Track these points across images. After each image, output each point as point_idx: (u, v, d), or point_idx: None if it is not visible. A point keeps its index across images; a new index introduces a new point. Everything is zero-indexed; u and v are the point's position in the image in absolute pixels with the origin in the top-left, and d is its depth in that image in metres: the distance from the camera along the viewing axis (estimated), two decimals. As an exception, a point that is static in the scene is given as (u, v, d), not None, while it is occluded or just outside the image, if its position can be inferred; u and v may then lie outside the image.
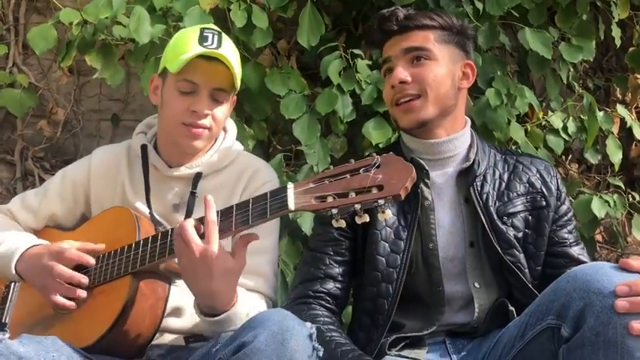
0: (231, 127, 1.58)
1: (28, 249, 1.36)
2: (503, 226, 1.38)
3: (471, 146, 1.46)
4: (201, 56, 1.40)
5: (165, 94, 1.46)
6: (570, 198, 2.29)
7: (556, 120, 2.27)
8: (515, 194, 1.42)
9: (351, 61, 2.06)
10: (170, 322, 1.37)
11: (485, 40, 2.14)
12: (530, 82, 2.41)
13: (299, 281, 1.43)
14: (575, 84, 2.34)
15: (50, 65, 2.40)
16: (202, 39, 1.42)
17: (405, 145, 1.48)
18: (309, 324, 1.12)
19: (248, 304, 1.26)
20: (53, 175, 2.35)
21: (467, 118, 1.51)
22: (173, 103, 1.43)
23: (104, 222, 1.45)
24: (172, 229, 1.25)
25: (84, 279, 1.30)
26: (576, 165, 2.57)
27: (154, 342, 1.33)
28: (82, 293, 1.29)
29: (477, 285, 1.38)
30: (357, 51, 2.07)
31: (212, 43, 1.41)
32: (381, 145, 2.03)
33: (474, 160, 1.43)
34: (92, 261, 1.31)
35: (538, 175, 1.45)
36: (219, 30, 1.48)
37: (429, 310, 1.37)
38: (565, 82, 2.27)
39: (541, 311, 1.12)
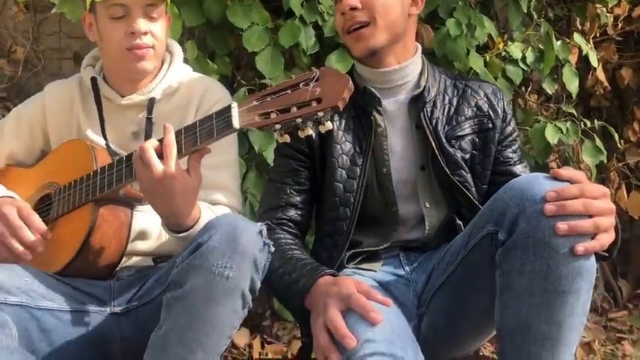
0: (177, 49, 1.58)
1: None
2: (451, 149, 1.44)
3: (421, 73, 1.50)
4: None
5: (101, 27, 1.46)
6: (527, 127, 2.38)
7: (515, 50, 2.31)
8: (463, 118, 1.47)
9: (314, -9, 2.06)
10: (137, 245, 1.42)
11: (446, -32, 2.16)
12: (493, 13, 2.44)
13: (262, 211, 1.49)
14: (535, 14, 2.37)
15: (5, 1, 2.34)
16: None
17: (357, 73, 1.52)
18: (258, 223, 1.20)
19: (211, 211, 1.32)
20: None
21: (417, 44, 1.54)
22: (110, 32, 1.43)
23: (61, 155, 1.47)
24: (131, 154, 1.28)
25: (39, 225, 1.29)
26: (535, 96, 2.64)
27: (123, 265, 1.39)
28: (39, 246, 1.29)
29: (427, 205, 1.45)
30: (319, -19, 2.06)
31: None
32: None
33: (425, 86, 1.47)
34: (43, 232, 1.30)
35: (485, 99, 1.50)
36: None
37: (384, 228, 1.45)
38: (525, 11, 2.30)
39: (482, 220, 1.20)
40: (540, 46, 2.34)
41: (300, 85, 1.14)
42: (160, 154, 1.19)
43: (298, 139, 1.43)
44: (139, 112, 1.49)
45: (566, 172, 1.13)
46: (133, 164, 1.24)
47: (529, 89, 2.60)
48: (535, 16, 2.37)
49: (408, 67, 1.48)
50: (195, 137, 1.20)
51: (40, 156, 1.55)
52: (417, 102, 1.47)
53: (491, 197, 1.21)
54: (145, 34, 1.43)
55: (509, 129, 1.51)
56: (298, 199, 1.47)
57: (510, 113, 1.53)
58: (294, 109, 1.13)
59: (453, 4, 2.19)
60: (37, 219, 1.30)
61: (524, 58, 2.30)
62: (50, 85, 1.59)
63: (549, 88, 2.40)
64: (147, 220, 1.42)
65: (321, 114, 1.12)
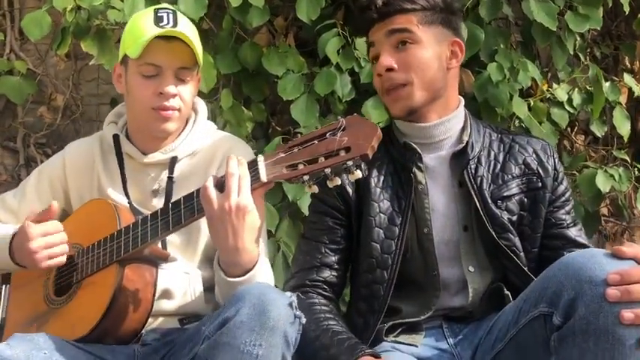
0: (202, 107, 1.56)
1: (12, 239, 1.37)
2: (497, 210, 1.36)
3: (464, 127, 1.43)
4: (160, 37, 1.38)
5: (130, 81, 1.44)
6: (575, 171, 2.27)
7: (561, 92, 2.22)
8: (510, 176, 1.39)
9: (350, 38, 2.03)
10: (162, 304, 1.38)
11: (487, 12, 2.09)
12: (535, 52, 2.35)
13: (296, 270, 1.43)
14: (581, 55, 2.27)
15: (47, 50, 2.38)
16: (157, 20, 1.40)
17: (396, 128, 1.46)
18: (288, 293, 1.15)
19: (265, 268, 1.28)
20: (56, 161, 2.39)
21: (460, 98, 1.48)
22: (138, 89, 1.42)
23: (84, 216, 1.45)
24: (155, 212, 1.27)
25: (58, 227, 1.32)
26: (582, 137, 2.52)
27: (149, 327, 1.35)
28: (64, 248, 1.32)
29: (471, 269, 1.37)
30: (355, 28, 2.02)
31: (168, 22, 1.40)
32: (380, 125, 2.01)
33: (468, 142, 1.40)
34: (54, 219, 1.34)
35: (534, 156, 1.42)
36: (174, 9, 1.46)
37: (425, 294, 1.37)
38: (572, 52, 2.20)
39: (534, 298, 1.12)
40: (588, 87, 2.24)
41: (327, 135, 1.12)
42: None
43: (334, 196, 1.39)
44: (160, 171, 1.47)
45: (630, 249, 1.04)
46: (163, 221, 1.22)
47: (574, 130, 2.49)
48: (582, 58, 2.27)
49: (450, 122, 1.42)
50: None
51: (61, 216, 1.53)
52: (459, 158, 1.40)
53: (544, 270, 1.13)
54: (174, 96, 1.41)
55: (561, 188, 1.42)
56: (334, 258, 1.41)
57: (562, 171, 1.44)
58: (322, 159, 1.11)
59: (494, 47, 2.12)
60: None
61: (570, 101, 2.21)
62: (71, 145, 1.59)
63: (598, 131, 2.29)
64: (171, 278, 1.39)
65: (350, 163, 1.09)
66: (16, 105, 2.36)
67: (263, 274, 1.25)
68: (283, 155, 1.14)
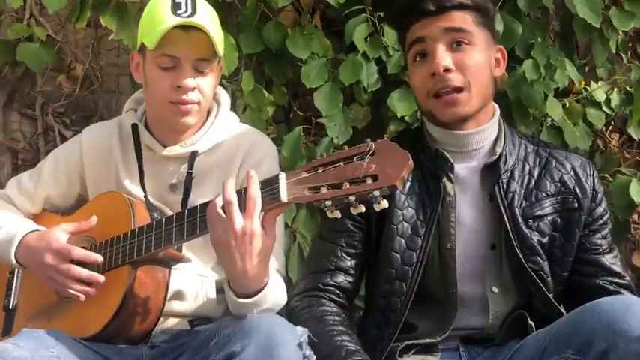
0: (224, 97, 1.49)
1: (25, 235, 1.34)
2: (527, 231, 1.29)
3: (497, 138, 1.35)
4: (177, 27, 1.31)
5: (148, 72, 1.38)
6: (608, 176, 2.17)
7: (599, 92, 2.10)
8: (544, 194, 1.32)
9: (379, 25, 1.93)
10: (173, 305, 1.36)
11: (527, 3, 1.97)
12: (573, 45, 2.23)
13: (310, 271, 1.39)
14: (623, 55, 2.15)
15: (68, 15, 2.32)
16: (175, 7, 1.32)
17: (428, 133, 1.38)
18: (299, 329, 1.10)
19: (275, 285, 1.24)
20: (74, 131, 2.35)
21: (495, 106, 1.40)
22: (156, 82, 1.36)
23: (98, 208, 1.41)
24: (171, 217, 1.23)
25: (98, 277, 1.27)
26: (617, 135, 2.40)
27: (158, 327, 1.33)
28: (91, 290, 1.27)
29: (494, 290, 1.31)
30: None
31: (186, 10, 1.32)
32: (406, 118, 1.93)
33: (501, 154, 1.32)
34: (100, 259, 1.28)
35: (572, 174, 1.34)
36: None
37: (442, 311, 1.32)
38: (614, 50, 2.08)
39: (562, 341, 1.06)
40: (628, 87, 2.12)
41: (354, 158, 1.06)
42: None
43: None
44: (179, 165, 1.42)
45: None
46: (178, 228, 1.19)
47: (610, 128, 2.37)
48: (624, 57, 2.14)
49: (486, 131, 1.34)
50: (241, 205, 1.13)
51: (77, 200, 1.51)
52: (491, 171, 1.32)
53: (575, 292, 1.07)
54: (193, 89, 1.34)
55: (599, 210, 1.34)
56: (349, 263, 1.36)
57: (602, 192, 1.36)
58: (347, 184, 1.05)
59: (530, 40, 2.00)
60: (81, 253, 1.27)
61: (608, 101, 2.09)
62: (88, 129, 1.55)
63: (636, 134, 2.18)
64: (185, 279, 1.36)
65: (377, 193, 1.03)
66: (35, 72, 2.31)
67: (274, 293, 1.21)
68: (306, 175, 1.08)
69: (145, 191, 1.41)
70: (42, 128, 2.34)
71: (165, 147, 1.42)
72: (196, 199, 1.37)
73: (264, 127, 1.98)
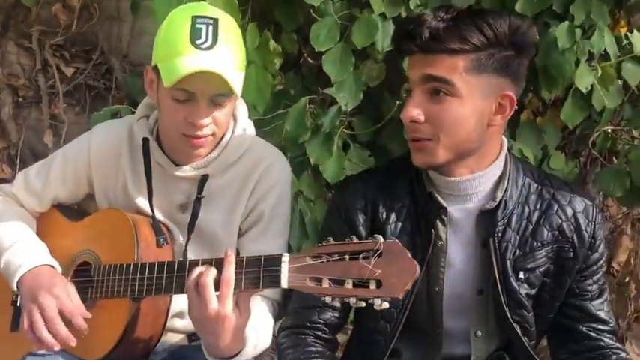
0: (242, 112, 1.41)
1: (31, 269, 1.35)
2: (516, 284, 1.27)
3: (500, 180, 1.28)
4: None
5: (161, 98, 1.31)
6: (633, 130, 2.02)
7: (637, 40, 1.89)
8: (539, 244, 1.28)
9: (399, -25, 1.72)
10: (174, 322, 1.41)
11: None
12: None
13: (297, 306, 1.37)
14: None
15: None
16: (195, 34, 1.23)
17: (424, 171, 1.31)
18: None
19: (256, 334, 1.26)
20: (74, 67, 2.26)
21: (503, 144, 1.30)
22: (170, 112, 1.29)
23: (103, 223, 1.41)
24: (182, 262, 1.22)
25: (71, 340, 1.28)
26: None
27: (158, 344, 1.38)
28: (72, 342, 1.28)
29: (478, 334, 1.33)
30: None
31: (206, 40, 1.23)
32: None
33: (501, 200, 1.26)
34: (84, 327, 1.29)
35: (572, 221, 1.28)
36: (215, 16, 1.26)
37: (427, 343, 1.34)
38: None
39: None
40: (672, 39, 1.90)
41: (361, 257, 1.04)
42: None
43: (346, 232, 1.30)
44: (191, 185, 1.39)
45: None
46: (178, 280, 1.20)
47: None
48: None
49: (483, 177, 1.27)
50: (240, 279, 1.13)
51: (84, 199, 1.51)
52: (488, 217, 1.27)
53: (557, 333, 1.09)
54: (207, 125, 1.28)
55: (594, 257, 1.30)
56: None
57: (600, 237, 1.30)
58: (350, 284, 1.04)
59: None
60: (78, 310, 1.29)
61: (647, 55, 1.89)
62: (98, 128, 1.49)
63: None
64: (184, 300, 1.37)
65: (377, 301, 1.03)
66: (28, 0, 2.15)
67: (253, 349, 1.24)
68: (310, 262, 1.07)
69: (152, 212, 1.39)
70: (41, 64, 2.26)
71: (176, 165, 1.38)
72: (205, 220, 1.38)
73: (269, 87, 1.86)
